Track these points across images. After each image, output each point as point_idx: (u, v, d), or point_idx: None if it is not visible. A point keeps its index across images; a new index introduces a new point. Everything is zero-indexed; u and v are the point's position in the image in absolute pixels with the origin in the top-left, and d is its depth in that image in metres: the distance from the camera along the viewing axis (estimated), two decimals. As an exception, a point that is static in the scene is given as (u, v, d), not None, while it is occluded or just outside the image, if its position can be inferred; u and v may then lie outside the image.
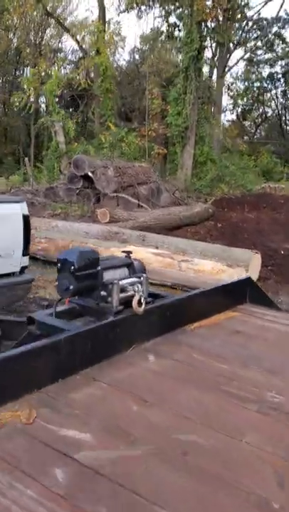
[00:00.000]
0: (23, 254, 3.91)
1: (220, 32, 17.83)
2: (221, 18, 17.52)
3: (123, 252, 2.91)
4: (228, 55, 27.10)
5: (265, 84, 38.50)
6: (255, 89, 37.16)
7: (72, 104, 24.35)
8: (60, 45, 30.56)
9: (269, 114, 44.24)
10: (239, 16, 20.32)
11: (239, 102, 37.56)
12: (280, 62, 35.63)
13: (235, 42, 21.00)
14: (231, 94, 34.36)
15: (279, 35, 33.29)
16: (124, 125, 20.56)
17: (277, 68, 36.17)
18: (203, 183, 17.29)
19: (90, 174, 12.75)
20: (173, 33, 20.67)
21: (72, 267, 2.03)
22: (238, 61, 32.34)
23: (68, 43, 30.38)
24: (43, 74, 20.50)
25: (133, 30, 45.13)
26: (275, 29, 32.34)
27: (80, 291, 2.14)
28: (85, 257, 2.12)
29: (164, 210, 11.21)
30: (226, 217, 13.10)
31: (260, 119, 42.38)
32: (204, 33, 16.91)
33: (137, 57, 35.14)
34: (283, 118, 45.03)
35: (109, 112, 20.17)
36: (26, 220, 3.86)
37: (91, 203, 12.35)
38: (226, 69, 27.64)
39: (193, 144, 17.89)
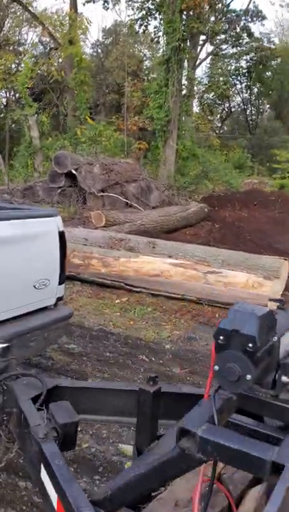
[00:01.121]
0: (60, 282, 3.05)
1: (203, 21, 17.08)
2: (207, 7, 16.77)
3: (272, 300, 2.09)
4: (200, 48, 26.50)
5: (231, 79, 38.22)
6: (220, 83, 36.88)
7: (43, 98, 23.09)
8: (19, 37, 29.02)
9: (234, 109, 44.23)
10: (220, 4, 19.64)
11: (206, 96, 37.16)
12: (245, 57, 35.46)
13: (212, 33, 20.29)
14: (197, 88, 33.92)
15: (246, 29, 33.01)
16: (100, 119, 19.61)
17: (242, 63, 35.99)
18: (187, 179, 16.58)
19: (73, 172, 11.77)
20: (148, 23, 19.70)
21: (251, 344, 1.24)
22: (208, 55, 31.87)
23: (29, 35, 28.93)
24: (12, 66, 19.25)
25: (95, 22, 43.83)
26: (243, 22, 32.03)
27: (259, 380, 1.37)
28: (264, 324, 1.34)
29: (159, 210, 10.40)
30: (220, 216, 12.42)
31: (225, 114, 42.27)
32: (187, 23, 16.09)
33: (99, 50, 34.16)
34: (248, 112, 45.15)
35: (84, 105, 19.12)
36: (62, 238, 2.99)
37: (78, 204, 11.38)
38: (197, 62, 27.03)
39: (175, 139, 17.13)
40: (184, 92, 18.06)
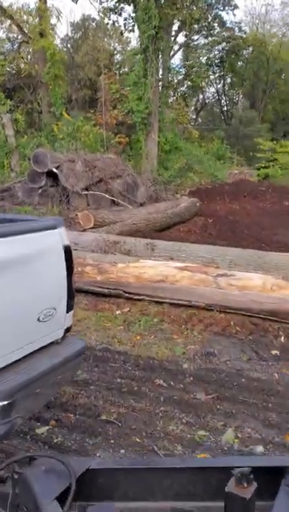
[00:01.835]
0: (68, 309, 2.41)
1: (180, 8, 16.43)
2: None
3: None
4: (173, 39, 25.93)
5: (206, 69, 37.73)
6: (193, 74, 36.42)
7: (16, 95, 22.14)
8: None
9: (208, 101, 43.86)
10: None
11: (180, 88, 36.59)
12: (217, 47, 34.99)
13: (190, 19, 19.61)
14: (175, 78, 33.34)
15: (218, 18, 32.52)
16: (75, 115, 18.79)
17: (215, 53, 35.56)
18: (171, 173, 15.98)
19: (54, 170, 11.04)
20: (121, 11, 18.88)
21: None
22: (181, 46, 31.36)
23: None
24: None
25: (64, 17, 42.68)
26: (215, 11, 31.57)
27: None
28: None
29: (150, 207, 9.78)
30: (211, 210, 11.87)
31: (199, 106, 41.90)
32: (163, 10, 15.40)
33: (69, 45, 33.24)
34: (223, 103, 44.81)
35: (60, 100, 18.31)
36: (68, 254, 2.36)
37: (61, 205, 10.67)
38: (171, 53, 26.51)
39: (156, 131, 16.50)
40: (162, 82, 17.43)
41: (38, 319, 2.21)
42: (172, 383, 3.75)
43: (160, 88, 16.97)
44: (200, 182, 15.98)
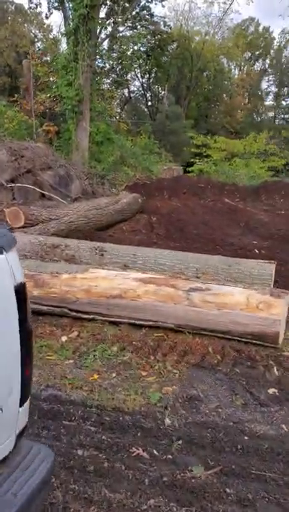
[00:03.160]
0: (21, 402, 1.30)
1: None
2: None
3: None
4: (99, 30, 24.60)
5: (129, 63, 36.90)
6: (118, 67, 35.54)
7: None
8: None
9: (133, 95, 43.20)
10: None
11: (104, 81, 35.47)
12: (142, 40, 34.26)
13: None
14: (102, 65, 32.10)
15: (146, 9, 31.71)
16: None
17: (140, 46, 34.81)
18: (104, 166, 14.82)
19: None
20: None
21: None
22: (107, 36, 30.13)
23: None
24: None
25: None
26: (143, 2, 30.70)
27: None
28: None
29: (88, 203, 8.60)
30: (152, 207, 10.93)
31: (124, 100, 41.17)
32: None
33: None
34: (148, 98, 44.34)
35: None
36: (23, 301, 1.25)
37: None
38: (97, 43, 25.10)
39: (88, 121, 15.26)
40: (93, 68, 16.16)
41: None
42: (156, 452, 2.70)
43: (91, 74, 15.70)
44: (135, 176, 14.98)
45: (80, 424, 2.95)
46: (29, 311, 1.34)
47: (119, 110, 39.56)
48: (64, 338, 4.20)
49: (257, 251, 7.24)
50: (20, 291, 1.29)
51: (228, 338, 4.12)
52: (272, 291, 4.04)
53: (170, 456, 2.67)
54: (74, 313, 4.54)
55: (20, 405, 1.33)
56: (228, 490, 2.42)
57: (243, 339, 4.07)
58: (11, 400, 1.26)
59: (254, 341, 4.04)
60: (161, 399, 3.26)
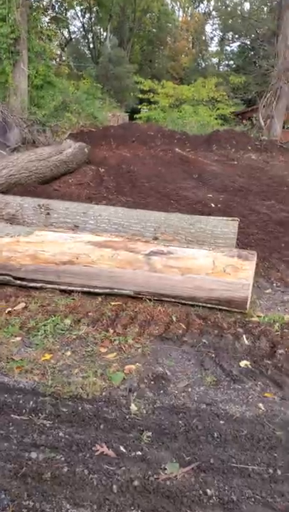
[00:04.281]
0: None
1: None
2: None
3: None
4: None
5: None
6: (57, 4, 33.12)
7: None
8: None
9: (73, 36, 40.81)
10: None
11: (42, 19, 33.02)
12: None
13: None
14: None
15: None
16: None
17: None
18: (46, 112, 13.76)
19: None
20: None
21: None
22: None
23: None
24: None
25: None
26: None
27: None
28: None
29: (29, 154, 7.83)
30: (99, 157, 10.27)
31: (64, 41, 38.77)
32: None
33: None
34: (90, 39, 41.97)
35: None
36: None
37: None
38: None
39: (26, 62, 13.99)
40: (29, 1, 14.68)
41: None
42: (123, 449, 2.34)
43: (28, 9, 14.25)
44: (79, 123, 14.07)
45: (32, 418, 2.53)
46: None
47: (59, 52, 37.23)
48: (8, 310, 3.70)
49: (213, 205, 6.89)
50: None
51: (192, 304, 3.78)
52: (239, 253, 3.70)
53: (139, 453, 2.32)
54: (18, 282, 4.03)
55: None
56: (208, 491, 2.11)
57: (208, 305, 3.74)
58: None
59: (220, 307, 3.73)
60: (125, 380, 2.89)
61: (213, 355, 3.20)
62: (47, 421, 2.51)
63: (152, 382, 2.89)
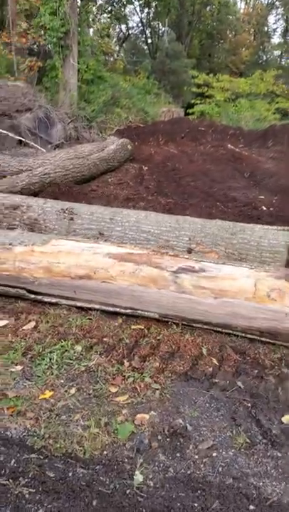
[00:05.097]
0: None
1: None
2: None
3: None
4: None
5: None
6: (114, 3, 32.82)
7: None
8: None
9: (131, 31, 40.43)
10: None
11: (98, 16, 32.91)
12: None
13: None
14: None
15: None
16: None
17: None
18: (95, 107, 13.39)
19: None
20: None
21: None
22: None
23: None
24: None
25: None
26: None
27: None
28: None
29: (68, 151, 7.42)
30: (144, 154, 9.72)
31: (122, 37, 38.48)
32: None
33: None
34: (147, 35, 41.44)
35: None
36: None
37: None
38: None
39: (76, 56, 13.67)
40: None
41: None
42: None
43: (79, 2, 13.94)
44: (128, 119, 13.60)
45: (9, 484, 2.02)
46: None
47: (117, 48, 37.02)
48: (15, 330, 3.24)
49: (265, 208, 6.16)
50: None
51: (228, 333, 3.16)
52: (287, 274, 3.02)
53: None
54: (33, 296, 3.56)
55: None
56: None
57: (248, 335, 3.10)
58: None
59: (262, 339, 3.08)
60: (134, 434, 2.33)
61: (248, 405, 2.57)
62: (28, 489, 2.00)
63: (168, 440, 2.31)
